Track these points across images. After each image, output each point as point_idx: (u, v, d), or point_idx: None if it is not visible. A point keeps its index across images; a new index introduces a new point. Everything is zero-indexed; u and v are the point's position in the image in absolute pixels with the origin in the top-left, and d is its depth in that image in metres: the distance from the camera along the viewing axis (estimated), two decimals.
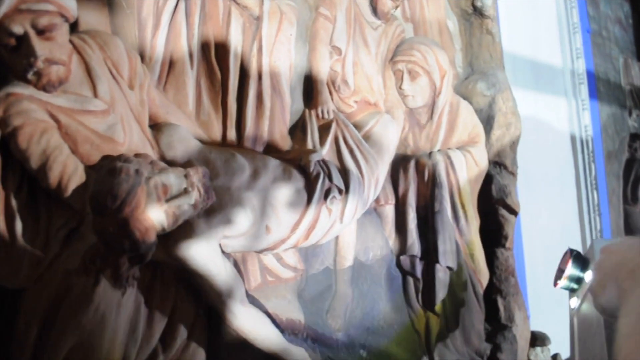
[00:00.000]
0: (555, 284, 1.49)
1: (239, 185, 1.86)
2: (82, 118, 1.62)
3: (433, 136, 2.59)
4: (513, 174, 2.85)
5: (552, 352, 2.97)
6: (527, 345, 2.81)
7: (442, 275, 2.44)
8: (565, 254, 1.47)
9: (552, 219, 3.84)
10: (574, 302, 1.50)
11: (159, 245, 1.58)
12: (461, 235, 2.55)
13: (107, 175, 1.48)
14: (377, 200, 2.40)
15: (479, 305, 2.59)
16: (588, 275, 1.42)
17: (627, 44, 5.23)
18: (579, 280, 1.46)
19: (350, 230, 2.30)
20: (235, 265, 1.94)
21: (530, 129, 3.19)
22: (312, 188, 2.01)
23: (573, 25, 4.32)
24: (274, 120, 2.11)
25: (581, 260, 1.45)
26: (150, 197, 1.50)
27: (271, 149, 2.09)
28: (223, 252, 1.83)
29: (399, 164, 2.51)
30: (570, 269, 1.45)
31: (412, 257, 2.45)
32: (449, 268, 2.46)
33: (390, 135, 2.40)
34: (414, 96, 2.53)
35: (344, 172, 2.15)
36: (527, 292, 3.29)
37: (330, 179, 2.05)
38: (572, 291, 1.50)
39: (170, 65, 1.93)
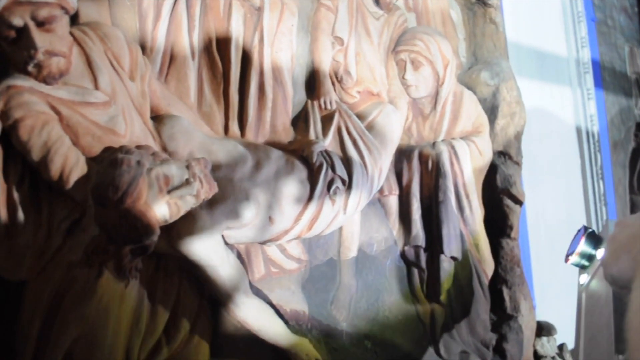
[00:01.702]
0: (566, 260, 1.48)
1: (242, 176, 1.86)
2: (83, 110, 1.62)
3: (437, 126, 2.58)
4: (518, 164, 2.83)
5: (558, 342, 2.96)
6: (533, 335, 2.80)
7: (446, 266, 2.44)
8: (579, 230, 1.46)
9: (557, 208, 3.83)
10: (584, 278, 1.49)
11: (162, 237, 1.57)
12: (466, 225, 2.53)
13: (109, 166, 1.47)
14: (380, 191, 2.39)
15: (484, 296, 2.57)
16: (600, 253, 1.41)
17: (632, 33, 5.19)
18: (590, 258, 1.45)
19: (354, 221, 2.29)
20: (239, 256, 1.94)
21: (535, 119, 3.17)
22: (315, 179, 2.00)
23: (578, 13, 4.30)
24: (276, 112, 2.10)
25: (594, 238, 1.44)
26: (152, 189, 1.50)
27: (273, 140, 2.08)
28: (226, 243, 1.83)
29: (403, 154, 2.49)
30: (583, 246, 1.44)
31: (417, 247, 2.44)
32: (454, 258, 2.45)
33: (393, 126, 2.39)
34: (417, 86, 2.51)
35: (347, 163, 2.14)
36: (533, 282, 3.28)
37: (334, 170, 2.04)
38: (583, 268, 1.49)
39: (172, 57, 1.92)
